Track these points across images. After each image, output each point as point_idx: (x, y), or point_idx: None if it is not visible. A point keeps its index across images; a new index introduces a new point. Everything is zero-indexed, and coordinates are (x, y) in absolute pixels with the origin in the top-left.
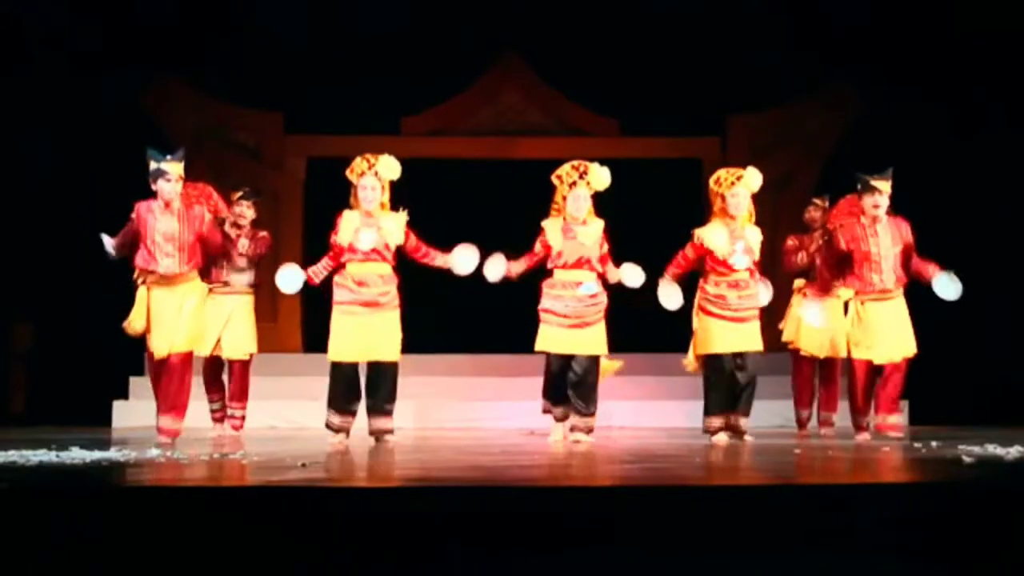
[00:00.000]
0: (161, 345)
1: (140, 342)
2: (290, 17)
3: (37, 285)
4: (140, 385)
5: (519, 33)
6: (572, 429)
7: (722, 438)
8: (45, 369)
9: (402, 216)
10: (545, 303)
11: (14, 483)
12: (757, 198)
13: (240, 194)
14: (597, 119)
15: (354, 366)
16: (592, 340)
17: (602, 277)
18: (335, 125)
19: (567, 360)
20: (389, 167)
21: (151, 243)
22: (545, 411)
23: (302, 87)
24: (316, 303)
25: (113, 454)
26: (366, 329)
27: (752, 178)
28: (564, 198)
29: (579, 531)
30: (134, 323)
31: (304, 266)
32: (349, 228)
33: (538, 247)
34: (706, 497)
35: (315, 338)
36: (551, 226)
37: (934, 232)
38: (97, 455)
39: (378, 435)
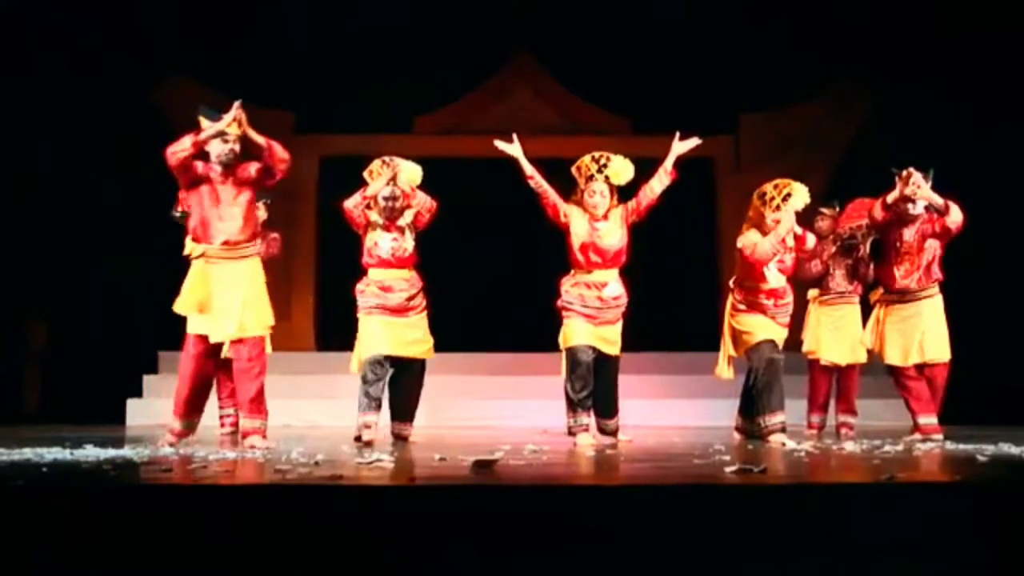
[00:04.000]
0: (218, 329)
1: (152, 338)
2: (301, 16)
3: (51, 284)
4: (154, 383)
5: (530, 32)
6: (601, 431)
7: (780, 439)
8: (59, 367)
9: (410, 214)
10: (567, 299)
11: (28, 481)
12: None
13: None
14: (609, 118)
15: (384, 364)
16: (615, 339)
17: (623, 275)
18: (348, 124)
19: (593, 355)
20: (410, 176)
21: (208, 211)
22: (573, 432)
23: (314, 86)
24: (330, 303)
25: (127, 452)
26: (396, 328)
27: (799, 199)
28: (582, 192)
29: (579, 531)
30: (196, 300)
31: (319, 270)
32: (371, 233)
33: (560, 210)
34: (707, 497)
35: (329, 337)
36: (575, 213)
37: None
38: (111, 453)
39: (398, 439)
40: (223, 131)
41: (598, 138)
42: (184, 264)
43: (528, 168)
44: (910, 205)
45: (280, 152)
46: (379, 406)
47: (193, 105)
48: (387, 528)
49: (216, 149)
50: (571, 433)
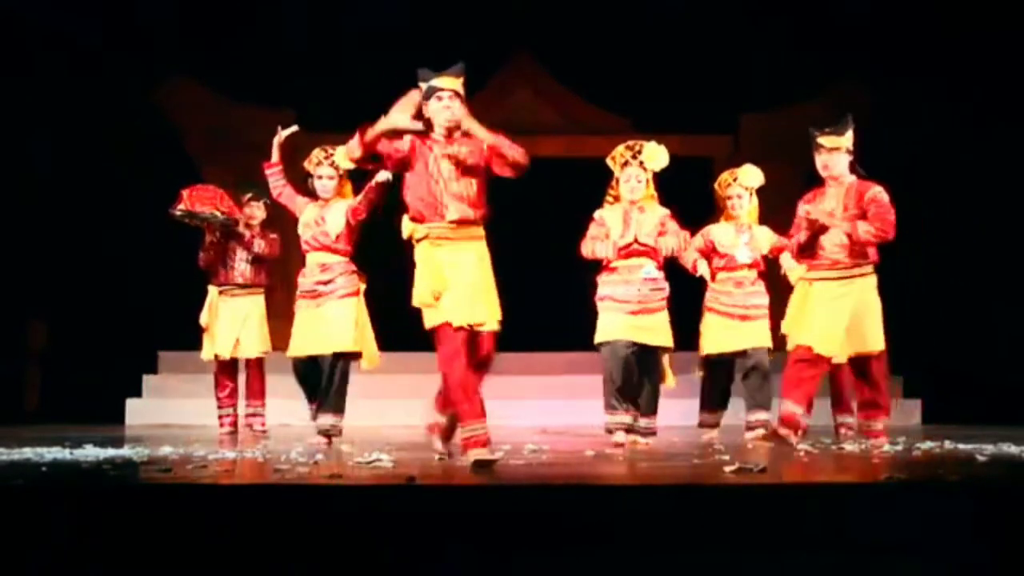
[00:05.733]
0: (463, 313)
1: (152, 338)
2: (301, 16)
3: (52, 284)
4: (153, 384)
5: (530, 32)
6: (629, 431)
7: (711, 435)
8: (59, 367)
9: (346, 203)
10: (603, 291)
11: (28, 480)
12: (769, 197)
13: (250, 195)
14: (609, 117)
15: (308, 362)
16: (657, 328)
17: (662, 267)
18: (347, 124)
19: (632, 349)
20: (344, 159)
21: (433, 186)
22: (611, 430)
23: (314, 86)
24: None
25: (127, 452)
26: (311, 320)
27: (747, 176)
28: (617, 180)
29: (579, 531)
30: (431, 287)
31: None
32: (303, 219)
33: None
34: (707, 497)
35: None
36: (609, 213)
37: (945, 230)
38: (111, 453)
39: (323, 433)
40: (403, 126)
41: (598, 138)
42: (186, 265)
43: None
44: (821, 166)
45: (511, 153)
46: (335, 409)
47: (194, 105)
48: (387, 528)
49: (439, 116)
50: (608, 431)
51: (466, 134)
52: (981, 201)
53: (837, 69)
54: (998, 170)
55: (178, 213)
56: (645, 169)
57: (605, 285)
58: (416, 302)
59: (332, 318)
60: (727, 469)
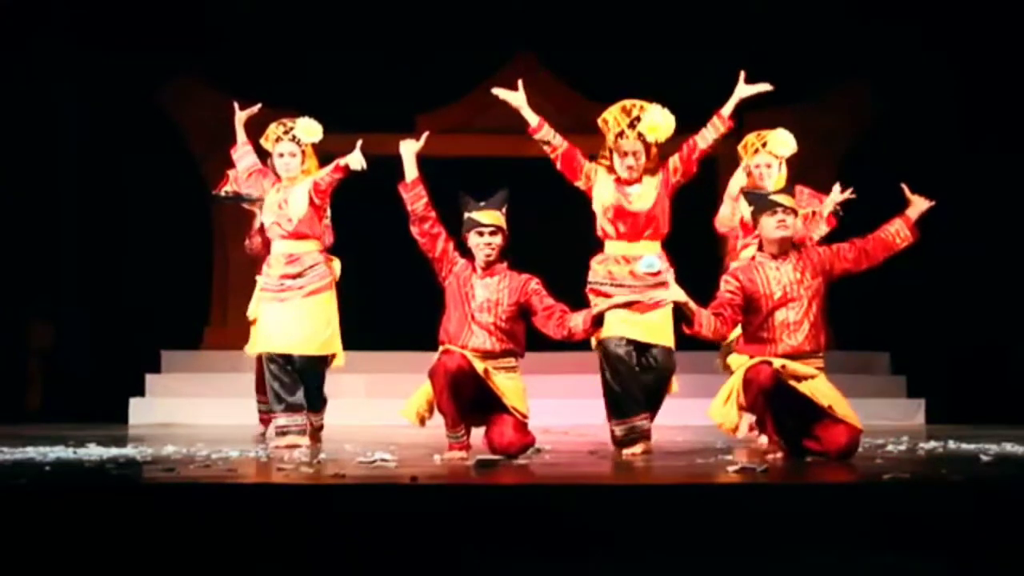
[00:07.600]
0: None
1: (154, 337)
2: (303, 16)
3: (54, 283)
4: (156, 383)
5: (533, 31)
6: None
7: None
8: (61, 366)
9: (311, 179)
10: (595, 279)
11: (31, 480)
12: None
13: None
14: None
15: (277, 361)
16: (658, 326)
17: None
18: (349, 123)
19: (630, 347)
20: (308, 130)
21: (465, 310)
22: (622, 442)
23: (315, 85)
24: (346, 303)
25: (130, 451)
26: (278, 315)
27: (777, 144)
28: (610, 151)
29: (579, 531)
30: (420, 406)
31: None
32: (266, 203)
33: (580, 168)
34: (707, 496)
35: (345, 337)
36: (601, 173)
37: (947, 230)
38: (114, 452)
39: (315, 436)
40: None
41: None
42: (188, 263)
43: (533, 119)
44: (781, 230)
45: (547, 326)
46: (290, 408)
47: (197, 105)
48: (389, 528)
49: (479, 252)
50: (619, 444)
51: (511, 270)
52: (983, 201)
53: (838, 69)
54: (999, 170)
55: (223, 194)
56: (645, 142)
57: (596, 274)
58: (405, 413)
59: (303, 317)
60: (729, 469)
